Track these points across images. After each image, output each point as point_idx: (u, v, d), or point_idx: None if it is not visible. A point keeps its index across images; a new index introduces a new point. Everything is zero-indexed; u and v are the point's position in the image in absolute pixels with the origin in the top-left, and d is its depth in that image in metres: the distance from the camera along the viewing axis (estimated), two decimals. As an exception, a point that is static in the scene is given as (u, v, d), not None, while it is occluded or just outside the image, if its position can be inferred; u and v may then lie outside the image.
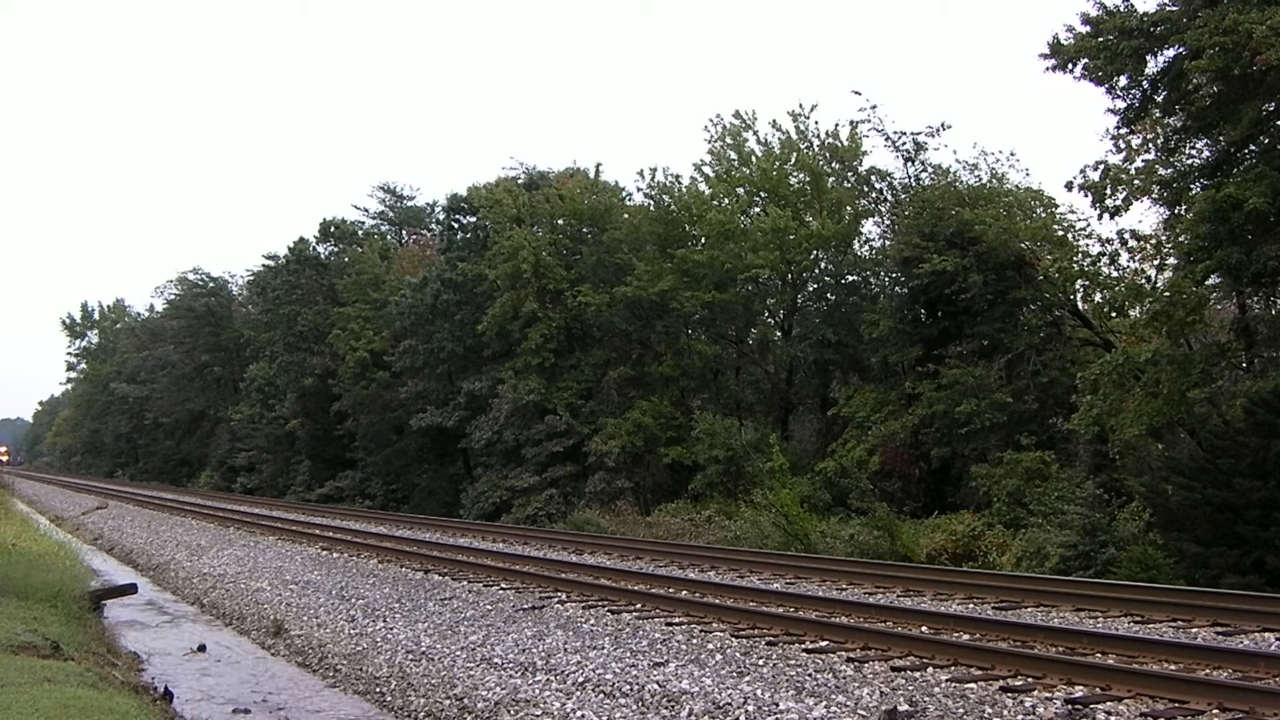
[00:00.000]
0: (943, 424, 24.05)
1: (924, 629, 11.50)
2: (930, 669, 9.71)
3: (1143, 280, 20.80)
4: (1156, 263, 20.67)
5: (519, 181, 41.10)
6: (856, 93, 57.27)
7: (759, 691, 9.23)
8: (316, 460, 50.81)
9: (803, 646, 10.96)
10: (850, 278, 32.19)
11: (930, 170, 28.69)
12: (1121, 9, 18.15)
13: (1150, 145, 18.79)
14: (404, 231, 57.15)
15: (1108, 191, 18.43)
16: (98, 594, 17.12)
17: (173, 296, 76.72)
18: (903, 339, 26.61)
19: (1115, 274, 22.43)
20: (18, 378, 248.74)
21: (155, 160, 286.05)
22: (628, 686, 9.93)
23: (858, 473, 24.81)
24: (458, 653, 12.20)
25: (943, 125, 27.95)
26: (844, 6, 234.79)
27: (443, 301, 39.69)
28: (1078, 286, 23.89)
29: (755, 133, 34.19)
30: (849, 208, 31.67)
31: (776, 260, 31.27)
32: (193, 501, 46.45)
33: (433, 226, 53.46)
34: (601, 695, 9.87)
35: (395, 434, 44.70)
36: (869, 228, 32.48)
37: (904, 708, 8.41)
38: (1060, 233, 24.15)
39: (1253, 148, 17.51)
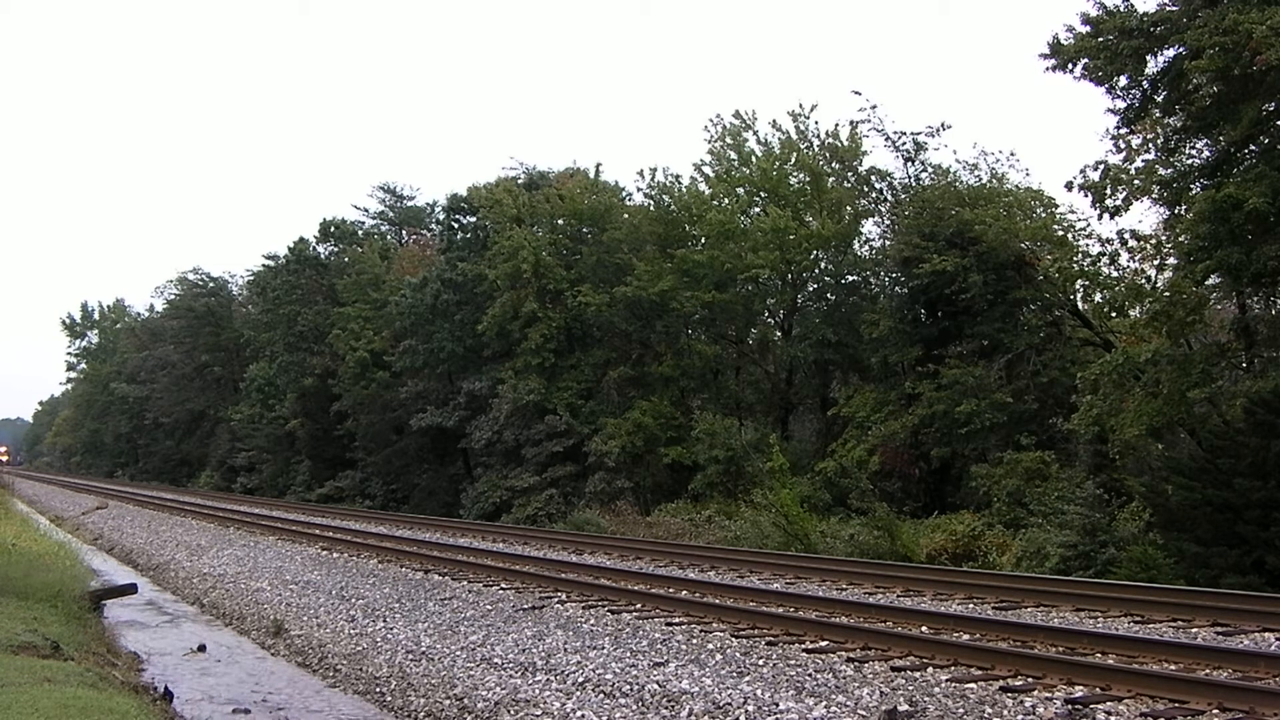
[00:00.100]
0: (943, 424, 24.06)
1: (924, 629, 11.50)
2: (930, 669, 9.71)
3: (1143, 280, 20.81)
4: (1156, 263, 20.69)
5: (519, 181, 41.11)
6: (856, 93, 57.40)
7: (759, 691, 9.24)
8: (316, 460, 50.83)
9: (803, 646, 10.96)
10: (850, 278, 32.20)
11: (930, 170, 28.73)
12: (1121, 9, 18.16)
13: (1150, 145, 18.80)
14: (404, 231, 57.17)
15: (1108, 191, 18.43)
16: (98, 594, 17.12)
17: (173, 296, 76.82)
18: (903, 339, 26.62)
19: (1115, 274, 22.47)
20: (18, 378, 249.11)
21: (155, 160, 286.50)
22: (628, 686, 9.93)
23: (858, 473, 24.81)
24: (458, 653, 12.21)
25: (943, 125, 28.03)
26: (844, 6, 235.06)
27: (443, 301, 39.70)
28: (1078, 286, 23.90)
29: (755, 133, 34.26)
30: (849, 208, 31.68)
31: (776, 260, 31.28)
32: (193, 501, 46.45)
33: (433, 226, 53.48)
34: (601, 695, 9.87)
35: (395, 434, 44.71)
36: (869, 228, 32.58)
37: (904, 708, 8.41)
38: (1060, 233, 24.16)
39: (1253, 148, 17.51)
